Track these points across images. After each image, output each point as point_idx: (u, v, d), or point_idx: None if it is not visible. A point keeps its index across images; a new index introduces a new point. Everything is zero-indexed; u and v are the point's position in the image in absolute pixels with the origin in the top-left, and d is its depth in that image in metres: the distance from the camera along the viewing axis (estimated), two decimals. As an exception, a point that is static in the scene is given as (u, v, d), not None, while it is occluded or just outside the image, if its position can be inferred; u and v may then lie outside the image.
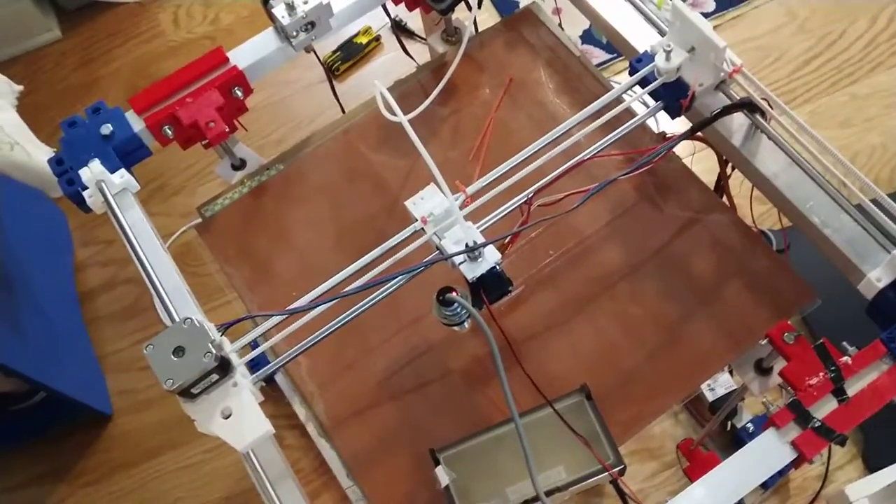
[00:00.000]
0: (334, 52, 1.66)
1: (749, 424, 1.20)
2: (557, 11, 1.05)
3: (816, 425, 0.63)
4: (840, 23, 1.59)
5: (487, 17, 1.64)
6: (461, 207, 0.68)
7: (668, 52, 0.72)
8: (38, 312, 1.36)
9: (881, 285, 0.66)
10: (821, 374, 0.63)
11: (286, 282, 0.85)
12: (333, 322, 0.68)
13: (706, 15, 1.61)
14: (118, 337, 1.49)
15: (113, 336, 1.50)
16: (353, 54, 1.66)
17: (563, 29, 1.02)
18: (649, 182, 0.86)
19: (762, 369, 0.76)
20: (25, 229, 1.42)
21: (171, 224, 1.48)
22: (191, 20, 1.81)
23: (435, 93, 0.84)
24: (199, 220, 0.91)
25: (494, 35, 0.97)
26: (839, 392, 0.64)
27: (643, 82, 0.75)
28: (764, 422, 0.67)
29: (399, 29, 1.60)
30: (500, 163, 0.72)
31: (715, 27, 1.57)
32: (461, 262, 0.65)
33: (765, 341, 0.71)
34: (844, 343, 0.66)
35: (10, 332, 1.24)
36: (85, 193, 0.77)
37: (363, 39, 1.67)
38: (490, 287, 0.65)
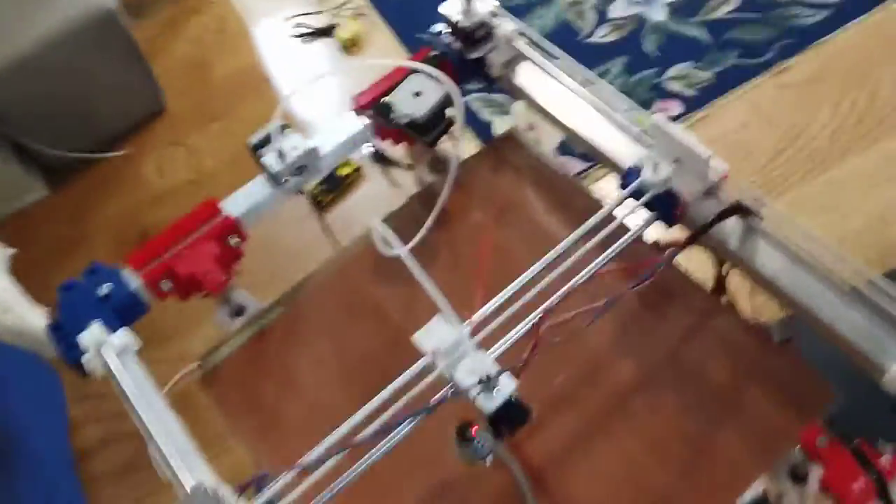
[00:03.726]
0: (318, 184, 1.69)
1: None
2: (531, 127, 1.08)
3: (869, 534, 0.60)
4: (803, 113, 1.65)
5: (471, 146, 1.69)
6: (470, 336, 0.67)
7: (655, 165, 0.73)
8: (35, 476, 1.31)
9: (907, 378, 0.64)
10: (861, 478, 0.61)
11: (296, 429, 0.82)
12: (347, 473, 0.66)
13: (675, 118, 1.67)
14: (118, 497, 1.43)
15: (112, 496, 1.43)
16: (335, 186, 1.70)
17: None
18: (650, 291, 0.85)
19: (797, 477, 0.73)
20: (19, 392, 1.38)
21: (170, 371, 1.44)
22: (174, 168, 1.85)
23: (429, 221, 0.85)
24: (194, 365, 0.89)
25: (479, 161, 0.99)
26: (882, 494, 0.61)
27: (635, 195, 0.76)
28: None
29: (379, 159, 1.64)
30: (499, 285, 0.72)
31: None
32: (477, 394, 0.63)
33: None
34: (880, 440, 0.64)
35: (6, 499, 1.19)
36: (84, 358, 0.75)
37: (344, 171, 1.70)
38: (509, 417, 0.64)
